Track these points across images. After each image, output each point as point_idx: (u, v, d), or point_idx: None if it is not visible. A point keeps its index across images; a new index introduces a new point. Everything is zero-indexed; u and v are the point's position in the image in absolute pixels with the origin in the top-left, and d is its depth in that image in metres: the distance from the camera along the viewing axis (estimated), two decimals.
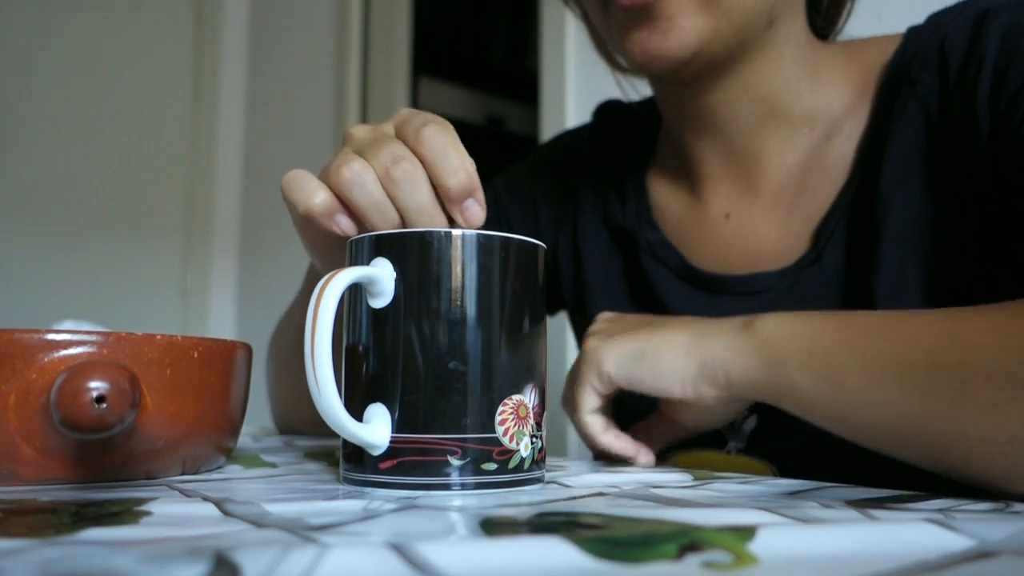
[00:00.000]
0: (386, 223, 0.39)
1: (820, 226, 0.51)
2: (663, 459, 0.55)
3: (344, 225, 0.40)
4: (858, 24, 0.58)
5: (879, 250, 0.48)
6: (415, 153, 0.39)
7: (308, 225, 0.42)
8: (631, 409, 0.57)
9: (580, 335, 0.66)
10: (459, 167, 0.38)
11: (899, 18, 0.58)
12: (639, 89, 0.68)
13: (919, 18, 0.52)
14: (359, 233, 0.41)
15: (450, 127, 0.39)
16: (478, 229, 0.39)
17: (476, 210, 0.39)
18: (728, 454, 0.53)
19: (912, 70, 0.49)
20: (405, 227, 0.39)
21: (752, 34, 0.50)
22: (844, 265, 0.50)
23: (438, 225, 0.39)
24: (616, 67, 0.66)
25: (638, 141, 0.65)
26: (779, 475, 0.50)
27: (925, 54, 0.49)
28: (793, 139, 0.54)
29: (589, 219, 0.64)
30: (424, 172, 0.38)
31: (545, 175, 0.70)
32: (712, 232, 0.57)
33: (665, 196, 0.61)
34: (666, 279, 0.57)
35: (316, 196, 0.39)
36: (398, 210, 0.39)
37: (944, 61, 0.47)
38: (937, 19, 0.50)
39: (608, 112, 0.69)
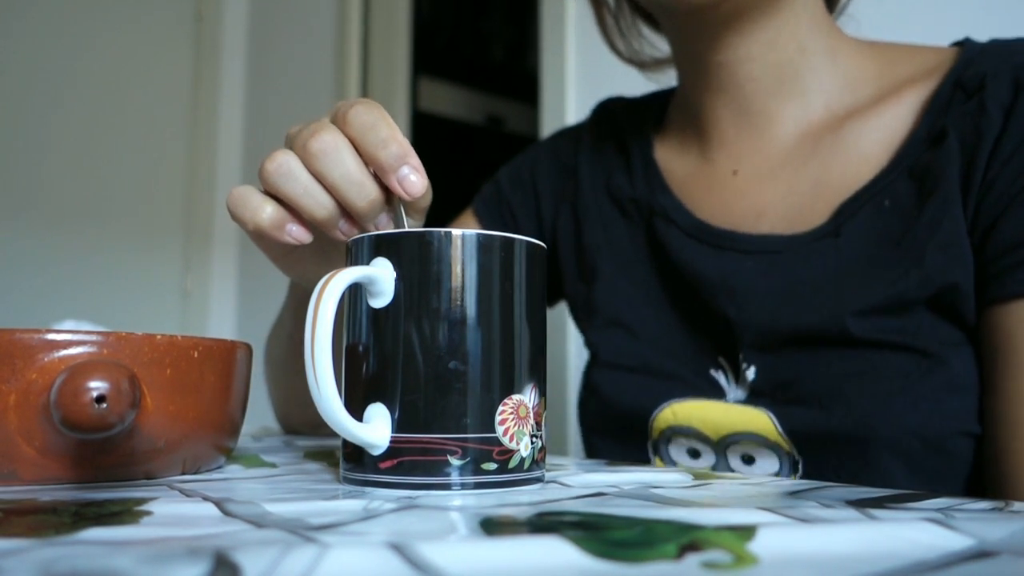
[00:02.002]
0: (319, 207, 0.39)
1: (846, 202, 0.51)
2: (655, 406, 0.55)
3: (296, 234, 0.40)
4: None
5: (924, 251, 0.48)
6: (345, 136, 0.38)
7: (263, 239, 0.42)
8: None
9: (579, 308, 0.66)
10: (388, 137, 0.37)
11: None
12: (640, 79, 0.69)
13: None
14: (312, 238, 0.41)
15: (378, 106, 0.39)
16: (420, 198, 0.38)
17: (414, 179, 0.38)
18: (726, 403, 0.53)
19: (987, 80, 0.48)
20: (340, 205, 0.39)
21: None
22: (864, 249, 0.50)
23: (369, 194, 0.38)
24: (620, 55, 0.68)
25: (644, 119, 0.67)
26: (776, 424, 0.50)
27: (997, 71, 0.48)
28: (808, 109, 0.56)
29: (589, 192, 0.66)
30: (346, 142, 0.38)
31: (545, 160, 0.71)
32: (718, 188, 0.59)
33: (671, 162, 0.63)
34: (676, 238, 0.58)
35: (263, 211, 0.39)
36: (327, 187, 0.39)
37: (1017, 95, 0.47)
38: (1010, 47, 0.50)
39: (610, 103, 0.71)
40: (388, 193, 0.39)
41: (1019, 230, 0.45)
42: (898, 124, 0.52)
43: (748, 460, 0.52)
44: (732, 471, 0.52)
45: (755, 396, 0.52)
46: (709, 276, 0.55)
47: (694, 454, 0.55)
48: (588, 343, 0.64)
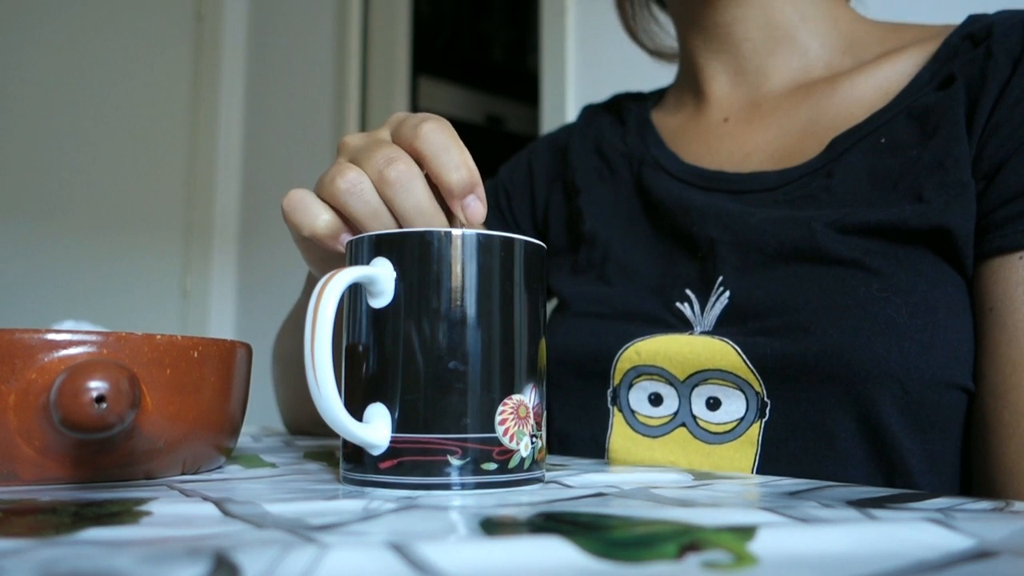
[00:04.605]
0: (384, 229, 0.39)
1: (838, 137, 0.51)
2: (619, 346, 0.53)
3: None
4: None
5: (923, 188, 0.46)
6: (414, 150, 0.39)
7: (310, 244, 0.42)
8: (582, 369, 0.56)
9: (562, 272, 0.64)
10: (460, 163, 0.38)
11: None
12: (640, 79, 0.70)
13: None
14: None
15: (448, 124, 0.39)
16: (479, 225, 0.39)
17: (478, 206, 0.39)
18: (691, 335, 0.51)
19: (995, 28, 0.48)
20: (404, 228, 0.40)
21: None
22: (857, 184, 0.49)
23: (438, 225, 0.39)
24: (642, 45, 0.71)
25: (646, 97, 0.69)
26: (742, 354, 0.47)
27: (1005, 22, 0.48)
28: (806, 69, 0.57)
29: (579, 160, 0.67)
30: (419, 172, 0.39)
31: (542, 147, 0.73)
32: (708, 134, 0.60)
33: (666, 119, 0.64)
34: (663, 181, 0.58)
35: (319, 219, 0.40)
36: (395, 213, 0.39)
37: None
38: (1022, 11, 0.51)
39: (621, 93, 0.73)
40: (449, 213, 0.40)
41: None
42: (899, 72, 0.52)
43: (713, 405, 0.49)
44: (694, 418, 0.50)
45: (722, 327, 0.50)
46: (695, 205, 0.54)
47: (656, 400, 0.51)
48: (560, 294, 0.61)
